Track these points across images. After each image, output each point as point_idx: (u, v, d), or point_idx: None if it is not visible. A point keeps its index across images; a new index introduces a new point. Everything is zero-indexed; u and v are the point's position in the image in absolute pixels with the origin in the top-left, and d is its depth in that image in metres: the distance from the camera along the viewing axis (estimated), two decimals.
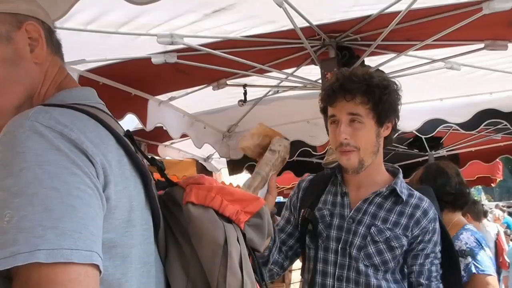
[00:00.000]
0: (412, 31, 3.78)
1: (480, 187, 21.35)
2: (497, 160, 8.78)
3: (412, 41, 3.98)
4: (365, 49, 4.01)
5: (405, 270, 2.19)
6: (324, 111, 2.25)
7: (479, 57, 4.31)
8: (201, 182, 1.38)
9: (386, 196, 2.22)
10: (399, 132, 5.82)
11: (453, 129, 6.36)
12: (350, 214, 2.21)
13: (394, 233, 2.13)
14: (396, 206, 2.19)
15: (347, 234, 2.18)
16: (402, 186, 2.23)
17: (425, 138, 6.69)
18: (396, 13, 3.36)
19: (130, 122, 5.02)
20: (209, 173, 8.35)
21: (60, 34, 3.04)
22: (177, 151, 7.43)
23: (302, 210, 2.32)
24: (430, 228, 2.16)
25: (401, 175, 2.27)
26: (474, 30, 3.69)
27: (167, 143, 7.04)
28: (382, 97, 2.10)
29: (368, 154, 2.17)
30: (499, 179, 10.33)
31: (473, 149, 7.99)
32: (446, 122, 5.51)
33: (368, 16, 3.56)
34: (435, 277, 2.17)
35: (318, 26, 3.68)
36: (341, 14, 3.56)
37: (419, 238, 2.15)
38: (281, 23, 3.51)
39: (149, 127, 4.86)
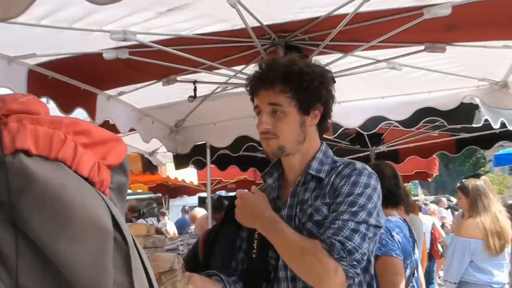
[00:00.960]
0: (358, 32, 3.92)
1: (417, 182, 21.98)
2: (434, 156, 9.14)
3: (358, 42, 4.14)
4: (314, 49, 4.14)
5: None
6: (252, 102, 2.17)
7: (419, 58, 4.49)
8: (34, 111, 0.86)
9: (308, 181, 2.10)
10: (343, 128, 6.07)
11: (393, 126, 6.62)
12: (286, 209, 2.10)
13: (314, 206, 2.01)
14: (320, 185, 2.07)
15: None
16: (322, 164, 2.10)
17: (367, 134, 6.90)
18: (344, 15, 3.49)
19: (79, 116, 5.00)
20: (155, 167, 8.38)
21: (13, 29, 3.04)
22: None
23: None
24: (344, 179, 2.00)
25: (319, 153, 2.14)
26: (415, 33, 3.87)
27: None
28: (302, 84, 2.01)
29: (291, 142, 2.07)
30: (435, 174, 10.76)
31: (411, 145, 8.31)
32: (387, 119, 5.71)
33: (317, 18, 3.68)
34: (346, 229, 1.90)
35: (268, 26, 3.79)
36: (291, 15, 3.67)
37: (335, 194, 2.00)
38: (233, 22, 3.59)
39: (98, 121, 4.87)
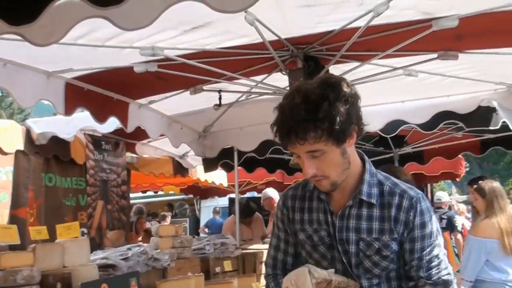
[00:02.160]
0: (372, 43, 4.14)
1: (450, 181, 21.87)
2: (459, 156, 9.24)
3: (373, 52, 4.36)
4: (331, 58, 4.38)
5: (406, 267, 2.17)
6: None
7: (435, 65, 4.69)
8: None
9: (359, 205, 2.14)
10: (364, 132, 6.25)
11: (415, 129, 6.78)
12: (336, 232, 2.16)
13: (382, 241, 2.11)
14: (373, 210, 2.12)
15: (338, 253, 2.17)
16: (370, 186, 2.15)
17: (389, 137, 7.08)
18: (357, 28, 3.73)
19: (112, 123, 5.32)
20: (185, 170, 8.68)
21: (51, 47, 3.35)
22: (154, 149, 7.71)
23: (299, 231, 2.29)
24: (411, 218, 2.10)
25: (366, 174, 2.16)
26: (427, 43, 4.06)
27: (144, 141, 7.33)
28: (333, 124, 1.93)
29: (340, 175, 2.08)
30: (463, 174, 10.83)
31: (436, 146, 8.39)
32: (406, 122, 5.91)
33: (332, 31, 3.92)
34: (437, 266, 2.13)
35: (287, 39, 4.05)
36: (307, 29, 3.92)
37: (405, 233, 2.11)
38: (253, 37, 3.84)
39: (130, 128, 5.20)
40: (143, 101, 5.28)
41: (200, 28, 3.60)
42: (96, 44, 3.65)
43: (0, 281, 3.03)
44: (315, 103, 1.95)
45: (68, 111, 4.33)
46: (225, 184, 10.62)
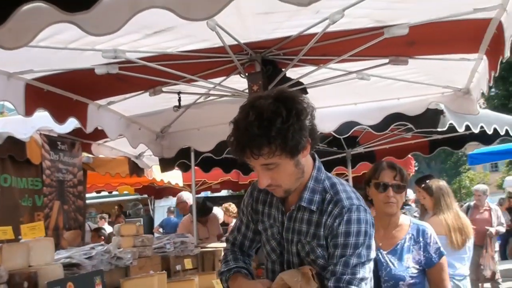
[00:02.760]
0: (328, 48, 4.30)
1: None
2: (409, 156, 9.54)
3: (329, 56, 4.53)
4: (288, 62, 4.53)
5: None
6: None
7: (387, 69, 4.90)
8: None
9: (301, 210, 2.26)
10: (318, 132, 6.42)
11: (367, 130, 7.00)
12: (283, 231, 2.31)
13: (311, 246, 2.22)
14: (313, 216, 2.23)
15: (284, 250, 2.33)
16: (313, 192, 2.25)
17: (342, 137, 7.28)
18: (314, 34, 3.88)
19: (69, 123, 5.32)
20: (141, 170, 8.71)
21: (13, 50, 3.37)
22: (110, 149, 7.73)
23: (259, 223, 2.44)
24: (335, 224, 2.16)
25: (311, 182, 2.25)
26: (380, 48, 4.26)
27: (100, 141, 7.34)
28: (286, 139, 2.03)
29: (293, 183, 2.19)
30: (412, 174, 11.15)
31: (387, 146, 8.61)
32: (359, 124, 6.12)
33: (289, 37, 4.07)
34: (348, 281, 2.12)
35: (246, 43, 4.18)
36: (265, 35, 4.06)
37: (329, 238, 2.19)
38: (214, 41, 3.95)
39: (89, 129, 5.24)
40: (102, 102, 5.32)
41: (162, 32, 3.70)
42: (58, 47, 3.69)
43: None
44: (269, 119, 2.02)
45: (28, 112, 4.35)
46: (181, 184, 10.68)
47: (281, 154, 2.06)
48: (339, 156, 8.78)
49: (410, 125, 6.19)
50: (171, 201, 15.75)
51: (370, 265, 2.21)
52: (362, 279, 2.13)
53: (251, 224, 2.51)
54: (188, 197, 9.45)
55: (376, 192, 3.23)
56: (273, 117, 2.02)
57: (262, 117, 2.02)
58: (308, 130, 2.11)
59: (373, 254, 2.21)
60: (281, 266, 2.34)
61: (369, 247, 2.18)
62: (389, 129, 6.40)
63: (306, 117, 2.10)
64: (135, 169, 8.60)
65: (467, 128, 6.33)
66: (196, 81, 4.91)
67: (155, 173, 9.28)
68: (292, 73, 4.72)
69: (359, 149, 8.70)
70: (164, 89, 5.07)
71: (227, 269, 2.47)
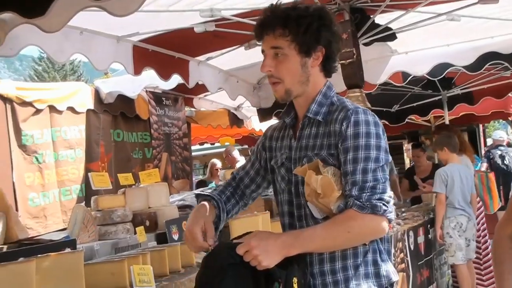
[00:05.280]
0: None
1: (505, 121, 21.56)
2: (509, 95, 9.27)
3: (417, 0, 4.60)
4: (376, 9, 4.65)
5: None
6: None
7: (478, 8, 4.86)
8: None
9: (309, 124, 2.20)
10: (411, 76, 6.49)
11: (462, 70, 6.92)
12: (292, 153, 2.23)
13: (321, 156, 2.10)
14: (320, 128, 2.17)
15: (292, 176, 2.21)
16: (320, 105, 2.18)
17: (437, 79, 7.27)
18: None
19: (173, 79, 5.74)
20: (240, 121, 9.09)
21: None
22: (210, 102, 8.14)
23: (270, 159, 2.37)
24: (343, 127, 2.07)
25: (319, 96, 2.19)
26: None
27: (201, 95, 7.76)
28: (300, 28, 2.07)
29: (294, 84, 2.14)
30: None
31: (485, 86, 8.40)
32: (453, 65, 6.10)
33: None
34: (371, 187, 1.99)
35: None
36: None
37: (339, 144, 2.08)
38: None
39: (191, 84, 5.64)
40: (201, 58, 5.68)
41: None
42: (160, 10, 4.05)
43: (101, 219, 3.58)
44: (294, 7, 2.10)
45: (137, 71, 4.78)
46: None
47: (291, 43, 2.08)
48: (436, 98, 8.73)
49: (506, 64, 6.09)
50: None
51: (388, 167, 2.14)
52: (385, 182, 2.03)
53: (257, 163, 2.44)
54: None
55: None
56: (299, 7, 2.11)
57: (290, 6, 2.12)
58: (325, 40, 2.12)
59: (388, 156, 2.11)
60: (289, 194, 2.22)
61: (382, 149, 2.07)
62: (484, 68, 6.30)
63: (327, 27, 2.12)
64: (235, 120, 8.98)
65: None
66: None
67: (254, 124, 9.56)
68: (381, 19, 4.82)
69: (456, 91, 8.59)
70: (258, 42, 5.32)
71: (202, 194, 2.45)
